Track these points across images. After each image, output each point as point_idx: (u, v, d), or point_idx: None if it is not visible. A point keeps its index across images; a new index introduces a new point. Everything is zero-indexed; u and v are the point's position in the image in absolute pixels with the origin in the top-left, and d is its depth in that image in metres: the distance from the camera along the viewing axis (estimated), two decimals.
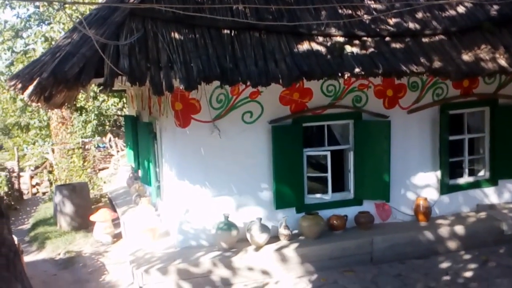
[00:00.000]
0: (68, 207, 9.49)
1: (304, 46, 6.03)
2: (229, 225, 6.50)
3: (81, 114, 16.53)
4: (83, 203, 9.68)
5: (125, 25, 5.69)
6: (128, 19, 5.74)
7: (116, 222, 9.08)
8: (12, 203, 12.60)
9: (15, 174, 14.35)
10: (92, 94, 15.80)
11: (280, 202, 6.90)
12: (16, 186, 13.96)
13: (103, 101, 16.27)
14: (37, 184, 16.66)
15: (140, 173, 9.55)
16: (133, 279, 6.44)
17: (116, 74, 5.26)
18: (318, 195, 7.18)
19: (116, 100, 16.24)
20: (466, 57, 6.47)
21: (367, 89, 7.06)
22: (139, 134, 9.17)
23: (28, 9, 16.74)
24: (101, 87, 5.46)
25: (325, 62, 5.87)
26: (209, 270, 6.18)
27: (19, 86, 5.23)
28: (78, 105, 16.03)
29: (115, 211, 9.66)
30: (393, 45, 6.37)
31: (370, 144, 7.08)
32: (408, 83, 7.18)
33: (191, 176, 6.66)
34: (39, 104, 5.87)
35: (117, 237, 8.60)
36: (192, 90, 5.48)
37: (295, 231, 6.85)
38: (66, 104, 10.01)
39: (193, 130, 6.54)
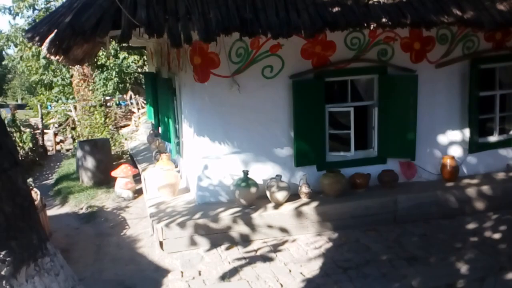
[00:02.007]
0: (90, 163, 9.55)
1: None
2: (248, 182, 6.42)
3: (102, 72, 16.47)
4: (104, 158, 9.73)
5: None
6: None
7: (137, 178, 9.13)
8: (37, 158, 12.77)
9: (39, 131, 14.50)
10: (112, 51, 15.72)
11: (301, 159, 6.76)
12: (40, 142, 14.12)
13: (124, 58, 16.15)
14: (61, 141, 16.85)
15: (160, 130, 9.50)
16: (153, 233, 6.47)
17: (134, 25, 5.06)
18: (340, 153, 7.01)
19: (137, 57, 16.11)
20: (501, 6, 6.08)
21: (393, 41, 6.75)
22: (159, 91, 9.06)
23: None
24: (119, 41, 5.29)
25: (350, 11, 5.56)
26: (228, 226, 6.14)
27: (37, 38, 5.10)
28: (99, 63, 15.96)
29: (136, 167, 9.71)
30: None
31: (396, 100, 6.82)
32: (437, 36, 6.83)
33: (210, 132, 6.54)
34: (57, 57, 5.77)
35: (138, 193, 8.65)
36: (211, 42, 5.28)
37: (316, 189, 6.72)
38: (86, 60, 9.99)
39: (212, 85, 6.38)
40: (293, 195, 6.59)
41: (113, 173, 8.75)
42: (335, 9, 5.50)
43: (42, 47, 5.18)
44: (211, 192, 6.69)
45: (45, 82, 18.21)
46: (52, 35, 4.98)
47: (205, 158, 6.61)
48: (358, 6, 5.62)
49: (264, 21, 5.29)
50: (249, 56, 6.40)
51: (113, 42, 11.74)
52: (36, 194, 6.59)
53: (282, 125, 6.71)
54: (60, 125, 17.44)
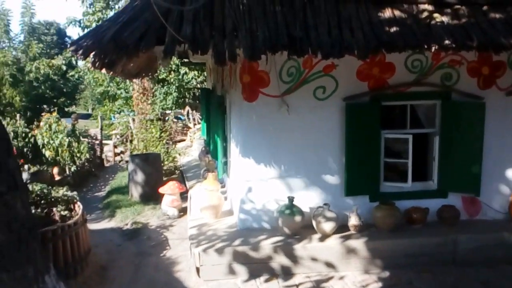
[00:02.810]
0: (140, 177, 9.51)
1: (386, 14, 5.30)
2: (293, 209, 6.03)
3: (163, 86, 16.68)
4: (154, 174, 9.66)
5: None
6: None
7: (185, 196, 8.96)
8: (93, 169, 12.98)
9: (97, 142, 14.82)
10: (174, 67, 15.88)
11: (352, 188, 6.31)
12: (98, 153, 14.39)
13: (185, 73, 16.26)
14: (122, 152, 17.16)
15: (210, 147, 9.32)
16: (191, 257, 6.21)
17: (178, 41, 4.87)
18: (395, 184, 6.47)
19: (197, 73, 16.17)
20: None
21: (459, 65, 6.20)
22: (211, 108, 8.93)
23: None
24: (164, 56, 5.10)
25: (409, 32, 5.10)
26: (269, 256, 5.76)
27: (80, 51, 5.02)
28: (160, 77, 16.16)
29: (185, 184, 9.56)
30: (492, 14, 5.46)
31: (460, 128, 6.26)
32: (508, 60, 6.22)
33: (256, 153, 6.24)
34: (103, 70, 5.72)
35: (184, 211, 8.47)
36: (256, 60, 4.97)
37: (367, 222, 6.21)
38: (144, 75, 10.03)
39: (260, 105, 6.10)
40: (342, 227, 6.12)
41: (161, 190, 8.63)
42: (393, 29, 5.06)
43: (86, 60, 5.11)
44: (253, 217, 6.36)
45: (110, 94, 18.71)
46: (96, 49, 4.88)
47: (249, 181, 6.30)
48: (419, 26, 5.16)
49: (314, 39, 4.94)
50: (301, 75, 6.08)
51: (174, 57, 11.80)
52: (78, 208, 6.53)
53: (333, 150, 6.30)
54: (121, 136, 17.81)
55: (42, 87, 27.46)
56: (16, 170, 2.58)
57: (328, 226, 5.98)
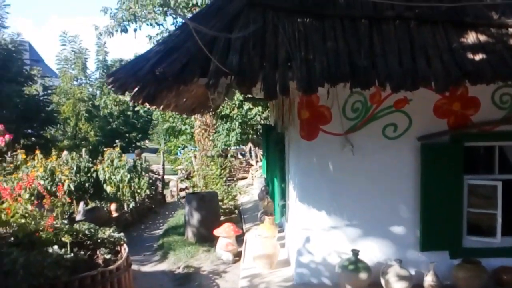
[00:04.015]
0: (196, 217, 9.01)
1: (469, 39, 4.52)
2: (358, 265, 5.27)
3: (226, 122, 16.38)
4: (210, 214, 9.11)
5: (241, 16, 4.77)
6: (245, 9, 4.83)
7: (241, 239, 8.34)
8: (153, 206, 12.71)
9: (160, 177, 14.64)
10: (237, 102, 15.56)
11: (429, 242, 5.46)
12: (159, 189, 14.16)
13: (248, 109, 15.89)
14: (186, 187, 16.91)
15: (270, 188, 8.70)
16: None
17: (223, 72, 4.34)
18: (482, 238, 5.50)
19: (261, 109, 15.75)
20: None
21: None
22: (270, 145, 8.36)
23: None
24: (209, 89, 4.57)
25: (499, 60, 4.28)
26: None
27: (117, 84, 4.62)
28: (223, 113, 15.91)
29: (242, 226, 8.96)
30: None
31: None
32: None
33: (315, 198, 5.57)
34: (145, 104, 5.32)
35: (240, 255, 7.82)
36: (312, 93, 4.34)
37: (447, 282, 5.32)
38: (202, 110, 9.68)
39: (320, 144, 5.48)
40: (416, 287, 5.27)
41: (215, 232, 8.07)
42: (479, 57, 4.25)
43: (126, 94, 4.70)
44: (312, 271, 5.62)
45: (175, 129, 18.71)
46: (133, 81, 4.46)
47: (307, 229, 5.60)
48: (510, 53, 4.31)
49: (382, 69, 4.24)
50: (368, 111, 5.40)
51: (238, 93, 11.41)
52: (124, 250, 6.08)
53: (406, 197, 5.50)
54: (186, 171, 17.64)
55: (116, 122, 28.45)
56: None
57: (399, 286, 5.16)
